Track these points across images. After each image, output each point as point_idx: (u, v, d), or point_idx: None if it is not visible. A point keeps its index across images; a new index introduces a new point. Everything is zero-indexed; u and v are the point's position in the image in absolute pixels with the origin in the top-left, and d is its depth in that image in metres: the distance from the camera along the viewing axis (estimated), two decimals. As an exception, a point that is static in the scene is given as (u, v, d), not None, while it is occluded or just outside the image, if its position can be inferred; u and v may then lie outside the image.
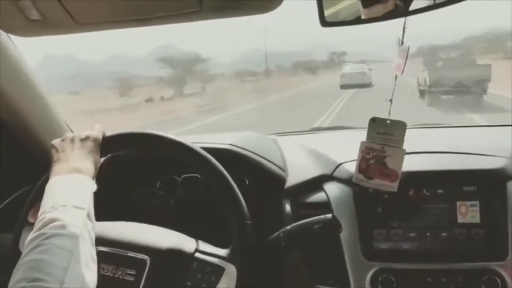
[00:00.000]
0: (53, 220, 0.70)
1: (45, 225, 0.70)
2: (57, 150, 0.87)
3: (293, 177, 1.16)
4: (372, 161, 0.96)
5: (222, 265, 0.86)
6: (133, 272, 0.87)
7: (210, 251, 0.88)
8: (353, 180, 0.99)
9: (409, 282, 0.96)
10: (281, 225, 1.02)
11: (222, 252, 0.88)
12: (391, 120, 0.96)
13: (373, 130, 0.96)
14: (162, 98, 21.03)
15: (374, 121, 0.97)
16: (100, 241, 0.91)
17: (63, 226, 0.69)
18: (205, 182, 1.29)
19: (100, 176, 1.27)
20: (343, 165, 1.11)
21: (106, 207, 1.26)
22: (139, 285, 0.86)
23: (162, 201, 1.30)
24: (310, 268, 1.04)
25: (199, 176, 1.30)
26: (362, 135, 1.61)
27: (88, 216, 0.75)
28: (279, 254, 0.97)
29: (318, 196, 1.10)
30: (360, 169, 0.98)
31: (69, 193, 0.77)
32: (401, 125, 0.95)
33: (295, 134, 1.63)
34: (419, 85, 11.84)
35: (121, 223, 0.99)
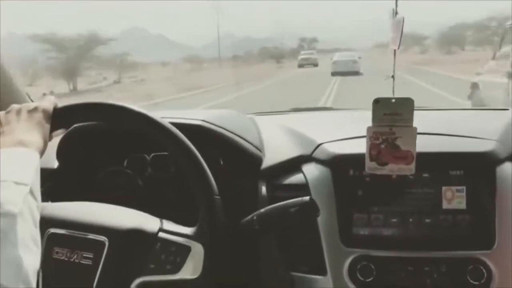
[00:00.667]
0: None
1: None
2: (0, 124, 0.77)
3: (270, 158, 1.09)
4: (383, 146, 0.88)
5: (187, 244, 0.79)
6: (90, 255, 0.79)
7: (175, 230, 0.81)
8: (366, 170, 0.91)
9: (390, 271, 0.90)
10: (256, 207, 0.95)
11: (188, 230, 0.80)
12: (396, 99, 0.88)
13: (379, 111, 0.88)
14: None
15: (378, 102, 0.88)
16: (53, 222, 0.82)
17: None
18: (175, 161, 1.20)
19: (62, 151, 1.18)
20: (323, 145, 1.04)
21: (68, 186, 1.17)
22: (97, 269, 0.78)
23: (130, 180, 1.21)
24: (285, 254, 0.97)
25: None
26: (342, 116, 1.55)
27: (32, 193, 0.66)
28: (252, 239, 0.90)
29: (296, 178, 1.02)
30: (371, 157, 0.90)
31: (9, 168, 0.67)
32: (408, 102, 0.87)
33: (274, 114, 1.55)
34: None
35: (77, 203, 0.90)
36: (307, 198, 0.83)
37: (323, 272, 0.93)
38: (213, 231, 0.78)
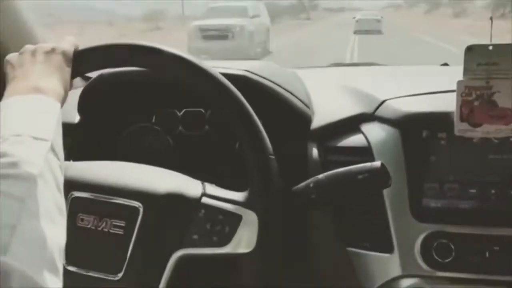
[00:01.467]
0: (2, 155, 0.48)
1: None
2: (13, 67, 0.63)
3: (321, 116, 0.94)
4: (476, 103, 0.72)
5: (238, 212, 0.66)
6: (121, 223, 0.67)
7: (222, 195, 0.68)
8: (456, 132, 0.75)
9: (472, 251, 0.76)
10: (305, 173, 0.81)
11: (238, 196, 0.68)
12: (494, 45, 0.71)
13: (472, 62, 0.71)
14: None
15: (471, 50, 0.71)
16: (77, 184, 0.70)
17: (13, 164, 0.47)
18: (210, 118, 1.06)
19: (83, 104, 1.04)
20: (388, 102, 0.88)
21: (89, 144, 1.04)
22: (130, 240, 0.66)
23: (158, 139, 1.07)
24: (343, 228, 0.83)
25: (203, 110, 1.08)
26: (393, 72, 1.38)
27: (53, 150, 0.52)
28: (305, 209, 0.76)
29: (354, 140, 0.88)
30: (462, 117, 0.74)
31: (26, 119, 0.54)
32: (508, 49, 0.70)
33: (314, 68, 1.39)
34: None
35: (105, 162, 0.77)
36: (377, 163, 0.69)
37: (389, 249, 0.79)
38: (268, 197, 0.65)
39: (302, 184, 0.73)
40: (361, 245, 0.82)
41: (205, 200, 0.68)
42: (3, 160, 0.47)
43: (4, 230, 0.41)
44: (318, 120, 0.93)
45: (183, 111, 1.08)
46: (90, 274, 0.67)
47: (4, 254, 0.40)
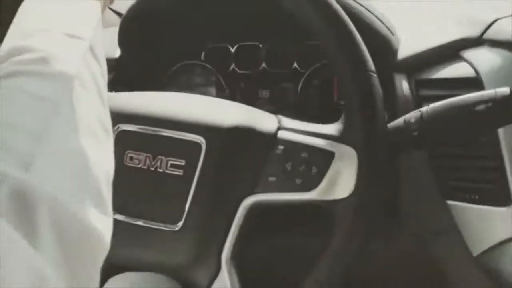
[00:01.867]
0: (24, 50, 0.34)
1: (8, 57, 0.34)
2: None
3: (409, 43, 0.77)
4: None
5: (329, 148, 0.51)
6: (180, 162, 0.53)
7: (306, 129, 0.53)
8: None
9: None
10: (394, 112, 0.66)
11: (328, 128, 0.53)
12: None
13: None
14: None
15: None
16: (123, 116, 0.56)
17: (42, 60, 0.33)
18: (268, 53, 0.91)
19: (124, 37, 0.90)
20: (500, 21, 0.70)
21: (132, 82, 0.91)
22: (191, 182, 0.52)
23: (208, 78, 0.93)
24: (443, 175, 0.68)
25: (259, 44, 0.92)
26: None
27: (92, 52, 0.38)
28: (401, 150, 0.60)
29: (456, 69, 0.71)
30: None
31: (56, 13, 0.40)
32: None
33: None
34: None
35: (156, 92, 0.63)
36: (505, 89, 0.53)
37: (504, 202, 0.63)
38: (372, 125, 0.50)
39: (400, 119, 0.57)
40: (467, 198, 0.66)
41: (282, 134, 0.53)
42: (28, 56, 0.33)
43: (27, 138, 0.28)
44: (406, 48, 0.76)
45: (237, 46, 0.93)
46: (142, 223, 0.55)
47: (27, 169, 0.26)
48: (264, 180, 0.52)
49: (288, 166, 0.52)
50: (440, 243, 0.69)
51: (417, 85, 0.72)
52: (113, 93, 0.63)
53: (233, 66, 0.93)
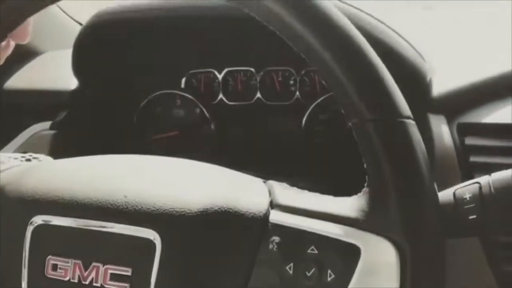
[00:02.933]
0: None
1: None
2: None
3: (447, 74, 0.59)
4: None
5: (351, 240, 0.32)
6: (126, 272, 0.34)
7: (311, 206, 0.34)
8: None
9: None
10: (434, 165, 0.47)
11: (346, 205, 0.34)
12: None
13: None
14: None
15: None
16: (40, 204, 0.38)
17: None
18: (263, 81, 0.73)
19: (81, 62, 0.72)
20: None
21: (88, 121, 0.73)
22: None
23: (190, 112, 0.75)
24: (502, 268, 0.49)
25: (253, 70, 0.74)
26: None
27: None
28: (447, 237, 0.41)
29: None
30: None
31: None
32: None
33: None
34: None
35: (93, 159, 0.44)
36: None
37: None
38: (418, 206, 0.31)
39: (448, 191, 0.38)
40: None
41: (277, 216, 0.34)
42: None
43: None
44: (443, 81, 0.58)
45: (225, 71, 0.75)
46: None
47: None
48: None
49: (290, 269, 0.33)
50: None
51: (461, 131, 0.54)
52: (31, 164, 0.45)
53: (220, 96, 0.75)
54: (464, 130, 0.54)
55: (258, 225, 0.34)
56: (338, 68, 0.31)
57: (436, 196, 0.33)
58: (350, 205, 0.33)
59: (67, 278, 0.36)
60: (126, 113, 0.74)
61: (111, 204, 0.36)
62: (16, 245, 0.37)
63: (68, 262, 0.36)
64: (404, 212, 0.31)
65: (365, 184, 0.33)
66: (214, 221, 0.34)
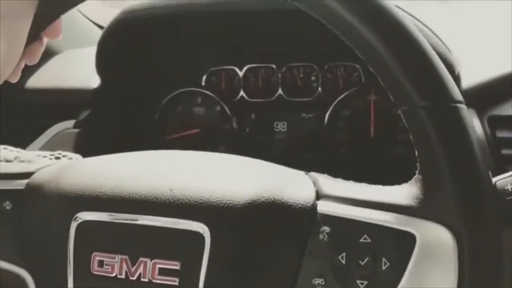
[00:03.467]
0: None
1: None
2: None
3: (474, 67, 0.59)
4: None
5: (406, 227, 0.32)
6: (174, 266, 0.34)
7: (360, 195, 0.34)
8: None
9: None
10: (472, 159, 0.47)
11: (397, 193, 0.33)
12: None
13: None
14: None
15: None
16: (83, 201, 0.38)
17: None
18: (285, 77, 0.73)
19: (104, 61, 0.72)
20: None
21: (111, 120, 0.73)
22: None
23: (211, 107, 0.75)
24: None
25: (274, 66, 0.74)
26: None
27: None
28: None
29: None
30: None
31: None
32: None
33: None
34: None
35: (133, 155, 0.44)
36: None
37: None
38: (476, 191, 0.31)
39: (507, 175, 0.38)
40: None
41: (325, 206, 0.34)
42: None
43: None
44: (472, 74, 0.57)
45: (245, 68, 0.74)
46: None
47: None
48: (307, 285, 0.33)
49: (342, 258, 0.33)
50: None
51: (492, 124, 0.54)
52: (70, 162, 0.45)
53: (241, 93, 0.75)
54: (495, 123, 0.54)
55: (306, 215, 0.34)
56: (390, 56, 0.31)
57: (491, 181, 0.33)
58: (401, 192, 0.33)
59: (113, 274, 0.35)
60: (147, 111, 0.74)
61: (157, 198, 0.36)
62: (60, 243, 0.37)
63: (114, 258, 0.35)
64: (461, 197, 0.31)
65: (417, 172, 0.33)
66: (262, 213, 0.34)
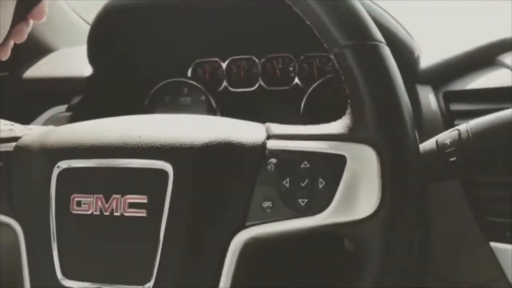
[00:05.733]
0: None
1: None
2: None
3: (433, 50, 0.65)
4: None
5: (337, 151, 0.37)
6: (142, 200, 0.39)
7: (302, 132, 0.40)
8: None
9: None
10: (420, 132, 0.52)
11: (331, 127, 0.39)
12: None
13: None
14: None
15: None
16: (62, 151, 0.43)
17: None
18: (264, 69, 0.79)
19: (95, 50, 0.78)
20: None
21: (102, 106, 0.78)
22: (159, 226, 0.38)
23: (196, 97, 0.80)
24: (484, 210, 0.53)
25: (255, 58, 0.80)
26: None
27: None
28: (430, 180, 0.45)
29: (493, 78, 0.58)
30: None
31: None
32: None
33: None
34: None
35: (108, 119, 0.49)
36: None
37: None
38: (393, 110, 0.37)
39: (431, 141, 0.43)
40: (507, 239, 0.52)
41: (273, 143, 0.39)
42: None
43: None
44: (430, 56, 0.63)
45: (228, 60, 0.80)
46: None
47: None
48: (257, 208, 0.38)
49: (286, 183, 0.38)
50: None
51: (447, 98, 0.59)
52: (52, 127, 0.50)
53: (224, 83, 0.80)
54: (450, 97, 0.59)
55: (257, 152, 0.39)
56: (317, 4, 0.37)
57: (408, 104, 0.38)
58: (336, 125, 0.39)
59: (90, 212, 0.40)
60: (137, 99, 0.79)
61: (127, 144, 0.40)
62: (44, 190, 0.41)
63: (90, 198, 0.40)
64: (380, 115, 0.36)
65: (348, 107, 0.38)
66: (218, 150, 0.39)
